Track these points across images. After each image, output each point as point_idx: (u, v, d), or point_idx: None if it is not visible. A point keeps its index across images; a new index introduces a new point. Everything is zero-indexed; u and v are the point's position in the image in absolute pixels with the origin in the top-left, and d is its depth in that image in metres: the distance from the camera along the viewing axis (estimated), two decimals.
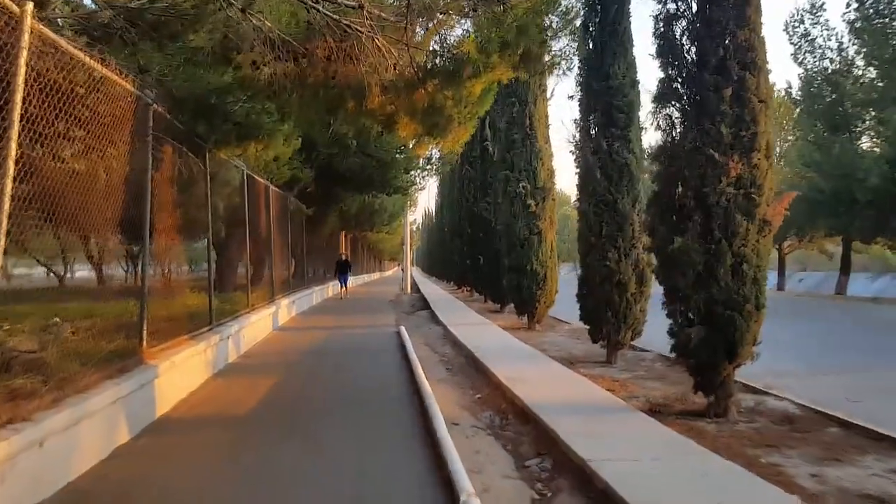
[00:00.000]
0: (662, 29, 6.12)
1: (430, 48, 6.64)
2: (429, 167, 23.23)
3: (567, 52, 6.61)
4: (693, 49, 5.94)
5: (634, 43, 8.66)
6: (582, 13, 8.35)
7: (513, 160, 13.61)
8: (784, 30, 27.36)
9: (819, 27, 26.68)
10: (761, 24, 5.77)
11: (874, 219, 23.39)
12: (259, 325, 11.51)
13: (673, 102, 6.03)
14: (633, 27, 8.66)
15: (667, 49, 6.08)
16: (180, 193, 7.67)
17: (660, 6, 6.07)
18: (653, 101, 6.09)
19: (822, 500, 3.80)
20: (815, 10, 26.70)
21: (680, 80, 6.01)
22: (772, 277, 6.41)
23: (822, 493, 3.92)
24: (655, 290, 8.74)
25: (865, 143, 26.34)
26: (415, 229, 64.91)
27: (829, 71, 26.02)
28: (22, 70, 3.82)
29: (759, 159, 5.58)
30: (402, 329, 12.16)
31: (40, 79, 4.18)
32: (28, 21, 3.89)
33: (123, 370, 5.41)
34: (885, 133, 23.49)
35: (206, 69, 6.95)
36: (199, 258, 11.91)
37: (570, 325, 13.58)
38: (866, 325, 16.11)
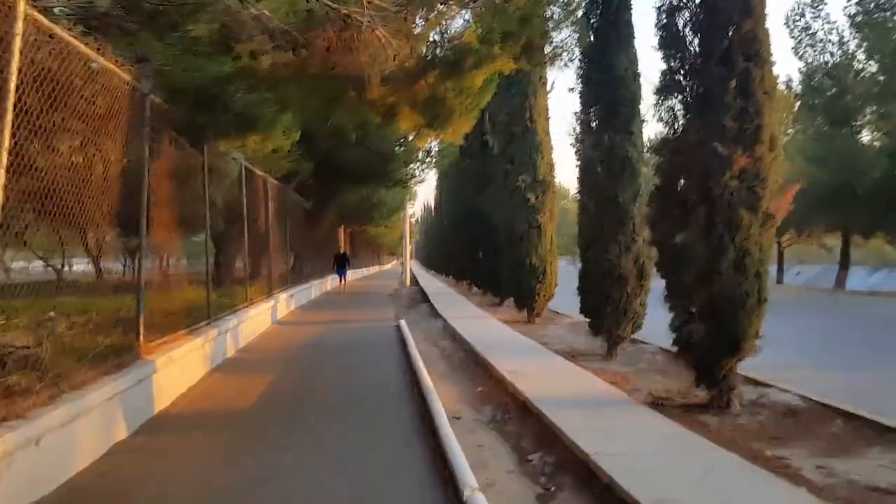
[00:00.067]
0: (665, 20, 6.05)
1: (431, 39, 6.57)
2: (428, 160, 23.11)
3: (569, 44, 6.55)
4: (696, 40, 5.87)
5: (636, 34, 8.58)
6: (583, 4, 8.27)
7: (513, 153, 13.54)
8: (785, 23, 27.25)
9: (820, 21, 26.58)
10: (766, 14, 5.69)
11: (874, 213, 23.34)
12: (258, 319, 11.45)
13: (676, 94, 5.98)
14: (634, 18, 8.59)
15: (670, 40, 6.01)
16: (178, 186, 7.59)
17: None
18: (655, 93, 6.03)
19: (830, 493, 3.76)
20: (815, 4, 26.59)
21: (683, 71, 5.95)
22: (771, 271, 6.35)
23: (829, 486, 3.88)
24: (655, 283, 8.74)
25: (866, 137, 26.30)
26: (414, 223, 64.81)
27: (830, 65, 25.92)
28: (16, 58, 3.74)
29: (763, 152, 5.51)
30: (402, 323, 12.11)
31: (34, 67, 4.10)
32: (22, 7, 3.81)
33: (120, 366, 5.35)
34: (886, 127, 23.43)
35: (205, 59, 6.85)
36: (198, 252, 11.83)
37: (570, 319, 13.53)
38: (867, 320, 16.10)
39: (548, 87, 13.82)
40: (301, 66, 6.70)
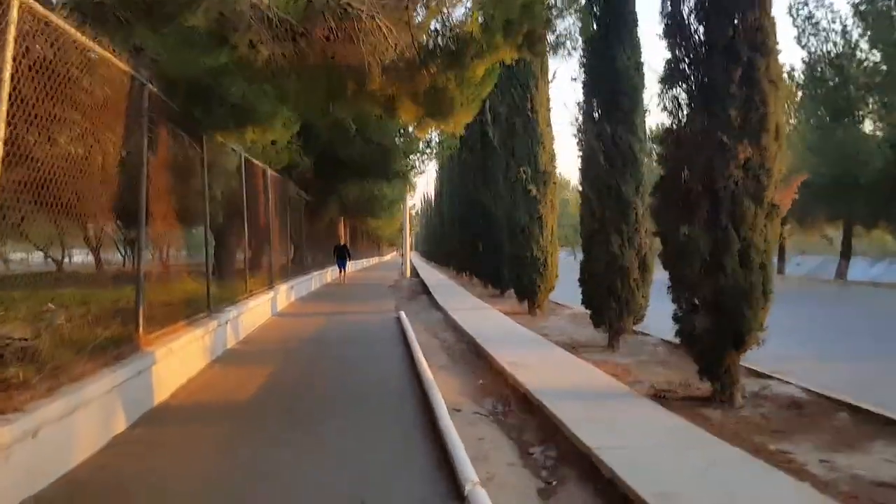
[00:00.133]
0: (670, 8, 5.96)
1: (432, 28, 6.49)
2: (428, 151, 23.03)
3: (572, 33, 6.46)
4: (701, 29, 5.78)
5: (640, 23, 8.48)
6: None
7: (513, 144, 13.46)
8: (788, 12, 27.09)
9: (823, 10, 26.47)
10: (771, 2, 5.62)
11: (876, 203, 23.27)
12: (258, 310, 11.42)
13: (680, 84, 5.89)
14: (638, 7, 8.49)
15: (674, 29, 5.93)
16: (177, 177, 7.53)
17: None
18: (659, 83, 5.95)
19: (834, 488, 3.72)
20: None
21: (687, 61, 5.86)
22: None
23: (833, 481, 3.84)
24: (656, 275, 8.70)
25: (868, 127, 26.17)
26: (414, 214, 64.70)
27: (833, 54, 25.76)
28: (10, 46, 3.68)
29: (768, 142, 5.45)
30: (403, 314, 12.08)
31: (30, 55, 4.04)
32: None
33: (120, 357, 5.32)
34: (889, 117, 23.31)
35: (203, 50, 6.77)
36: (198, 243, 11.80)
37: (571, 310, 13.50)
38: (869, 311, 16.07)
39: (549, 78, 13.70)
40: (300, 57, 6.62)
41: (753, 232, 5.39)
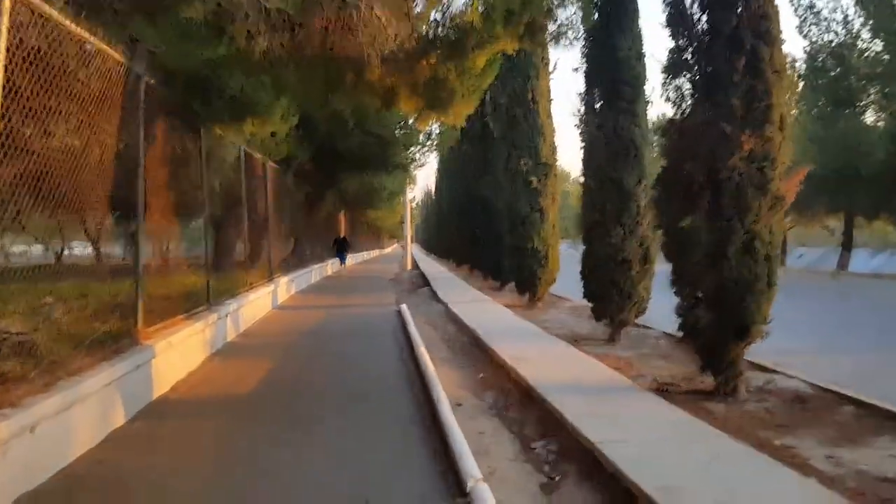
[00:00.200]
0: None
1: (432, 18, 6.41)
2: (429, 143, 22.92)
3: (573, 22, 6.38)
4: (704, 18, 5.72)
5: (641, 13, 8.39)
6: None
7: (514, 136, 13.37)
8: (789, 1, 26.87)
9: None
10: None
11: (878, 195, 23.18)
12: (258, 303, 11.38)
13: (683, 74, 5.83)
14: None
15: (677, 18, 5.86)
16: (175, 170, 7.47)
17: None
18: (662, 73, 5.89)
19: (840, 483, 3.68)
20: None
21: (690, 50, 5.80)
22: None
23: (839, 476, 3.80)
24: (658, 267, 8.65)
25: (870, 118, 26.03)
26: (414, 207, 64.56)
27: (834, 44, 25.59)
28: (4, 36, 3.61)
29: (772, 132, 5.38)
30: (404, 307, 12.04)
31: (24, 46, 3.97)
32: None
33: (118, 351, 5.29)
34: (891, 107, 23.19)
35: (200, 41, 6.69)
36: (197, 236, 11.74)
37: (572, 303, 13.46)
38: (872, 303, 16.02)
39: (550, 69, 13.59)
40: (298, 48, 6.54)
41: (758, 223, 5.33)
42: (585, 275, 8.84)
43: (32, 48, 4.10)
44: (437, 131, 22.07)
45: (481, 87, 6.70)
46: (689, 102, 5.80)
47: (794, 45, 56.13)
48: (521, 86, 13.14)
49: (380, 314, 12.10)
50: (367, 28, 6.23)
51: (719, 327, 5.51)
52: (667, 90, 5.86)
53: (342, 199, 26.59)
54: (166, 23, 6.55)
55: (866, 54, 24.85)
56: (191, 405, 5.76)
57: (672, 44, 5.86)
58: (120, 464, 4.23)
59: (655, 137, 9.88)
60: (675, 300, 5.94)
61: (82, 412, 4.40)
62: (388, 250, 72.40)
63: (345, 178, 22.31)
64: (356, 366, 7.44)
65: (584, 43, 8.45)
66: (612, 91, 8.25)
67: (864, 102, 25.76)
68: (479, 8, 5.80)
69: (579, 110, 8.99)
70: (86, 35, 4.84)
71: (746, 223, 5.34)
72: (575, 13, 6.40)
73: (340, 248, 24.34)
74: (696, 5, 5.75)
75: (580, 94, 8.73)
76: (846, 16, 25.59)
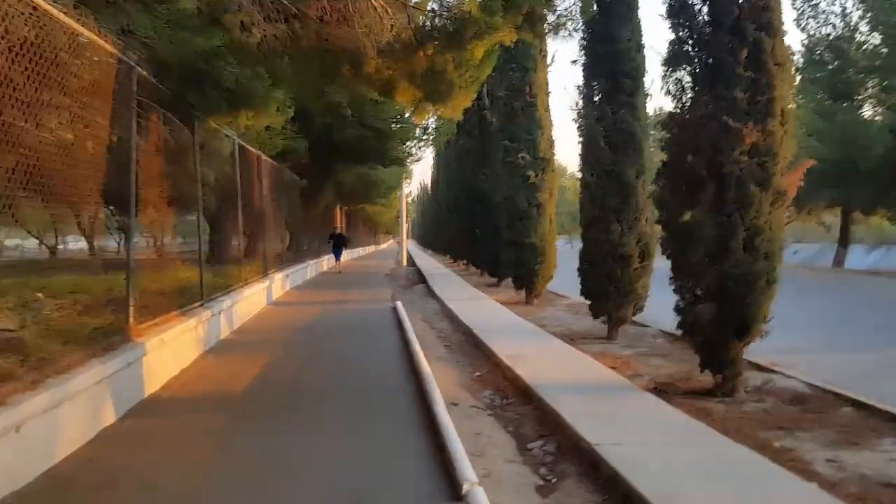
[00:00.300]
0: None
1: (429, 8, 6.30)
2: (425, 137, 22.80)
3: (573, 13, 6.27)
4: (706, 9, 5.63)
5: (640, 4, 8.28)
6: None
7: (512, 129, 13.27)
8: (781, 2, 26.73)
9: None
10: None
11: (876, 189, 23.12)
12: (252, 299, 11.28)
13: (684, 66, 5.74)
14: None
15: (678, 9, 5.77)
16: (168, 163, 7.35)
17: None
18: (663, 65, 5.78)
19: (842, 488, 3.61)
20: None
21: (692, 42, 5.71)
22: None
23: (841, 481, 3.73)
24: (655, 263, 8.57)
25: (868, 111, 25.95)
26: (410, 202, 64.46)
27: (833, 37, 25.48)
28: None
29: (774, 126, 5.30)
30: (399, 304, 11.95)
31: (9, 36, 3.86)
32: None
33: (109, 348, 5.18)
34: (889, 101, 23.10)
35: (194, 32, 6.59)
36: (192, 231, 11.64)
37: (569, 300, 13.39)
38: (871, 300, 15.99)
39: (548, 62, 13.49)
40: (293, 39, 6.44)
41: (759, 219, 5.26)
42: (583, 271, 8.76)
43: (19, 38, 3.99)
44: (434, 125, 21.94)
45: (479, 78, 6.60)
46: (689, 95, 5.71)
47: (791, 38, 56.07)
48: (519, 79, 13.04)
49: (375, 311, 12.01)
50: (364, 18, 6.13)
51: (720, 325, 5.44)
52: (667, 83, 5.77)
53: (338, 193, 26.47)
54: (161, 13, 6.44)
55: (864, 47, 24.77)
56: (183, 403, 5.67)
57: (672, 35, 5.77)
58: (109, 463, 4.14)
59: (653, 132, 9.81)
60: (673, 297, 5.86)
61: (71, 410, 4.31)
62: (383, 246, 72.31)
63: (341, 172, 22.20)
64: (351, 364, 7.35)
65: (582, 34, 8.34)
66: (612, 83, 8.15)
67: (862, 96, 25.68)
68: None
69: (577, 103, 8.90)
70: (75, 25, 4.71)
71: (748, 219, 5.27)
72: (574, 4, 6.30)
73: (337, 244, 24.11)
74: None
75: (578, 86, 8.64)
76: (844, 9, 25.62)
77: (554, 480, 4.01)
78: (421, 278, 20.29)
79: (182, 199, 8.89)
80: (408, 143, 22.05)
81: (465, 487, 3.37)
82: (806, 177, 5.80)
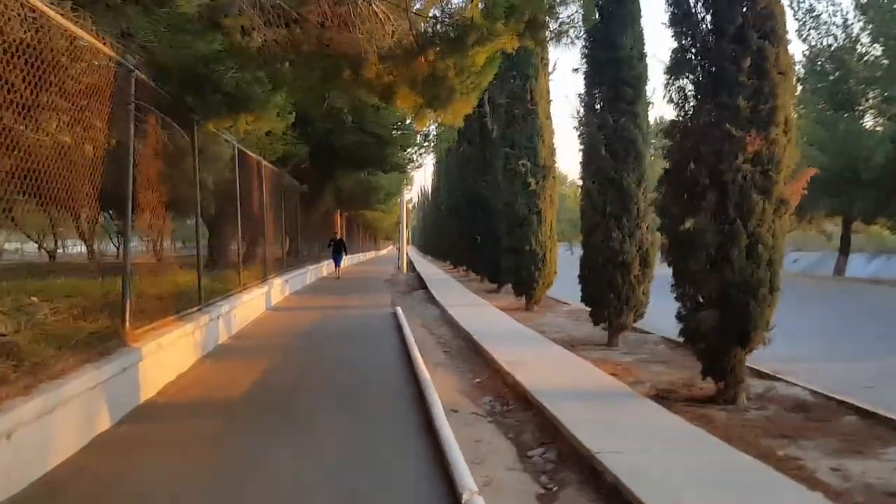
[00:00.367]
0: None
1: (431, 14, 6.27)
2: (426, 144, 22.80)
3: (575, 20, 6.25)
4: (709, 17, 5.61)
5: (644, 12, 8.27)
6: None
7: (513, 137, 13.25)
8: (789, 5, 26.80)
9: (824, 3, 26.25)
10: None
11: (877, 198, 23.09)
12: (251, 304, 11.23)
13: (687, 74, 5.72)
14: None
15: (681, 17, 5.75)
16: (167, 167, 7.32)
17: None
18: (665, 73, 5.76)
19: (848, 499, 3.56)
20: None
21: (694, 50, 5.68)
22: None
23: (846, 490, 3.68)
24: (656, 270, 8.54)
25: (869, 121, 25.95)
26: (411, 208, 64.44)
27: (834, 48, 25.52)
28: None
29: (777, 134, 5.27)
30: (399, 310, 11.89)
31: (4, 37, 3.83)
32: None
33: (104, 353, 5.13)
34: (890, 111, 23.11)
35: (194, 36, 6.56)
36: (191, 235, 11.60)
37: (569, 306, 13.34)
38: (873, 309, 15.93)
39: (549, 69, 13.48)
40: (294, 43, 6.42)
41: (762, 227, 5.22)
42: (584, 277, 8.72)
43: (15, 40, 3.96)
44: (435, 132, 21.95)
45: (481, 85, 6.57)
46: (692, 103, 5.68)
47: (793, 49, 56.26)
48: (520, 86, 13.03)
49: (375, 316, 11.96)
50: (365, 24, 6.12)
51: (722, 332, 5.39)
52: (669, 91, 5.75)
53: (338, 199, 26.45)
54: (160, 17, 6.42)
55: (866, 58, 24.80)
56: (179, 409, 5.61)
57: (675, 44, 5.74)
58: (103, 470, 4.08)
59: (654, 141, 9.79)
60: (674, 304, 5.82)
61: (65, 416, 4.25)
62: (384, 252, 72.25)
63: (341, 178, 22.19)
64: (350, 369, 7.29)
65: (584, 42, 8.33)
66: (613, 91, 8.14)
67: (863, 106, 25.69)
68: (480, 4, 5.67)
69: (578, 111, 8.88)
70: (72, 27, 4.69)
71: (750, 227, 5.23)
72: (576, 12, 6.28)
73: (336, 250, 24.01)
74: (700, 4, 5.64)
75: (580, 94, 8.62)
76: (845, 20, 25.58)
77: (555, 489, 3.95)
78: (421, 284, 20.24)
79: (180, 204, 8.86)
80: (408, 150, 22.06)
81: (465, 496, 3.32)
82: (807, 185, 5.76)
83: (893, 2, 23.19)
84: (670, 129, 5.72)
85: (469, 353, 8.53)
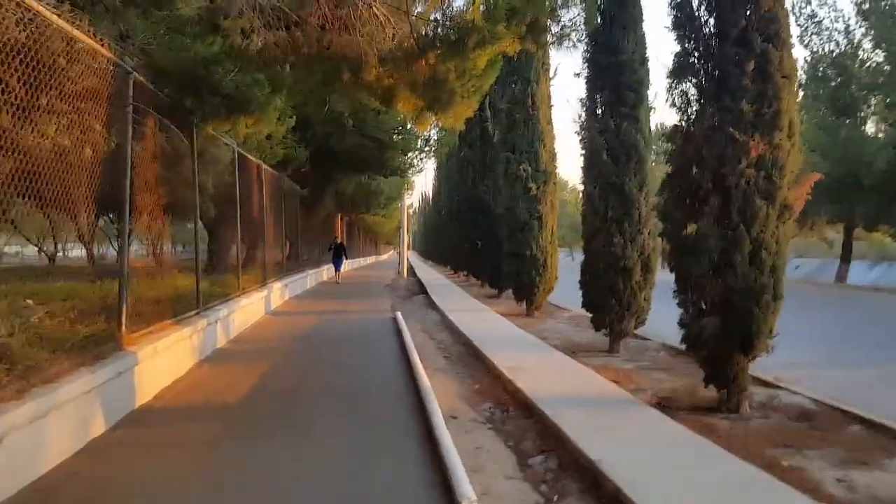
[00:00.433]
0: None
1: (432, 17, 6.23)
2: (427, 148, 22.75)
3: (577, 23, 6.21)
4: (712, 20, 5.56)
5: (644, 16, 8.23)
6: None
7: (514, 142, 13.20)
8: (791, 11, 26.79)
9: (826, 8, 26.27)
10: None
11: (878, 205, 23.03)
12: (250, 309, 11.16)
13: (690, 78, 5.66)
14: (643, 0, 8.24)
15: (683, 21, 5.69)
16: (166, 170, 7.28)
17: None
18: (668, 77, 5.70)
19: None
20: None
21: (697, 53, 5.63)
22: None
23: (852, 502, 3.60)
24: (658, 276, 8.47)
25: (871, 127, 25.93)
26: (412, 213, 64.41)
27: (836, 54, 25.51)
28: None
29: (781, 139, 5.21)
30: (399, 315, 11.83)
31: (1, 39, 3.79)
32: None
33: (99, 357, 5.07)
34: (892, 117, 23.08)
35: (193, 38, 6.52)
36: (190, 239, 11.53)
37: (570, 312, 13.27)
38: (873, 315, 15.85)
39: (551, 74, 13.44)
40: (294, 46, 6.38)
41: (765, 232, 5.15)
42: (585, 283, 8.65)
43: (9, 40, 3.92)
44: (436, 137, 21.91)
45: (482, 88, 6.52)
46: (694, 108, 5.63)
47: (795, 55, 56.24)
48: (521, 91, 12.99)
49: (375, 321, 11.89)
50: (365, 27, 6.07)
51: (724, 339, 5.32)
52: (672, 94, 5.69)
53: (338, 203, 26.40)
54: (160, 19, 6.38)
55: (868, 65, 24.78)
56: (176, 414, 5.55)
57: (678, 47, 5.69)
58: (97, 475, 4.02)
59: (654, 147, 9.73)
60: (675, 311, 5.76)
61: (58, 421, 4.19)
62: (384, 257, 72.19)
63: (341, 181, 22.15)
64: (350, 375, 7.23)
65: (586, 47, 8.28)
66: (615, 95, 8.08)
67: (864, 113, 25.66)
68: (481, 6, 5.62)
69: (580, 115, 8.84)
70: (69, 28, 4.64)
71: (753, 232, 5.17)
72: (578, 15, 6.24)
73: (336, 255, 23.90)
74: (703, 8, 5.59)
75: (581, 99, 8.58)
76: (847, 26, 25.57)
77: (555, 498, 3.88)
78: (421, 289, 20.17)
79: (179, 207, 8.81)
80: (409, 154, 22.02)
81: None
82: (811, 191, 5.70)
83: (895, 8, 23.18)
84: (673, 133, 5.66)
85: (469, 358, 8.46)
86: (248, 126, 8.42)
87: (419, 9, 6.52)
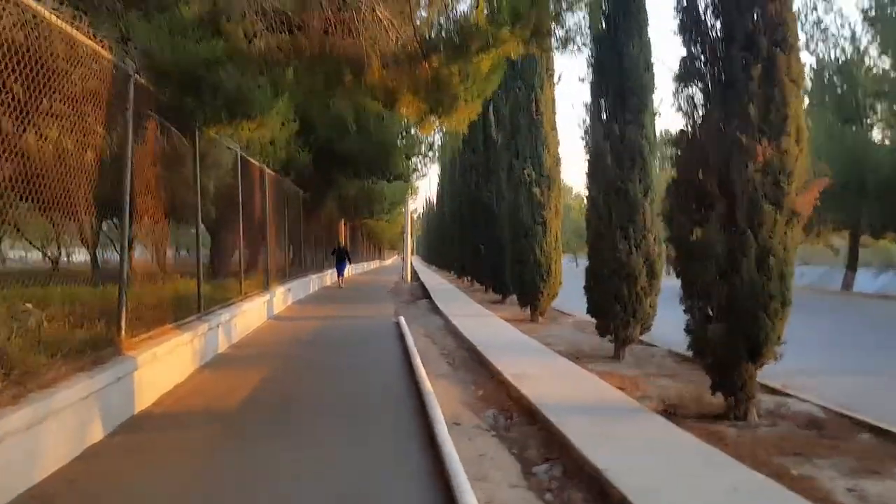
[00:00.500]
0: (685, 3, 5.68)
1: (435, 20, 6.19)
2: (430, 153, 22.73)
3: (581, 28, 6.16)
4: (718, 24, 5.51)
5: (650, 20, 8.17)
6: None
7: (518, 146, 13.15)
8: (797, 18, 26.74)
9: (832, 15, 26.18)
10: None
11: (884, 212, 22.89)
12: (252, 313, 11.11)
13: (696, 82, 5.60)
14: (648, 3, 8.19)
15: (689, 24, 5.64)
16: (167, 173, 7.24)
17: None
18: (674, 81, 5.65)
19: None
20: None
21: (704, 58, 5.57)
22: None
23: None
24: (663, 282, 8.39)
25: (877, 134, 25.81)
26: (415, 218, 64.37)
27: (842, 60, 25.43)
28: None
29: (789, 143, 5.14)
30: (402, 320, 11.77)
31: (2, 41, 3.75)
32: None
33: (98, 362, 5.01)
34: None
35: (195, 41, 6.49)
36: (192, 243, 11.50)
37: (574, 318, 13.18)
38: (875, 322, 15.73)
39: (555, 79, 13.40)
40: (296, 49, 6.35)
41: (773, 238, 5.08)
42: (589, 288, 8.58)
43: (9, 41, 3.88)
44: (440, 141, 21.91)
45: (485, 91, 6.48)
46: (701, 112, 5.57)
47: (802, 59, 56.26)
48: (525, 96, 12.95)
49: (378, 326, 11.83)
50: (368, 30, 6.04)
51: (731, 345, 5.24)
52: (678, 99, 5.63)
53: (341, 207, 26.38)
54: (161, 21, 6.36)
55: (873, 71, 24.69)
56: (176, 420, 5.48)
57: (684, 51, 5.64)
58: (94, 482, 3.97)
59: (658, 153, 9.67)
60: (681, 316, 5.68)
61: (55, 427, 4.13)
62: (388, 262, 72.18)
63: (344, 186, 22.11)
64: (352, 380, 7.17)
65: (590, 51, 8.24)
66: (620, 100, 8.03)
67: (871, 119, 25.55)
68: (485, 10, 5.58)
69: (584, 120, 8.80)
70: (69, 29, 4.61)
71: (761, 238, 5.09)
72: (583, 18, 6.19)
73: (340, 259, 23.84)
74: (709, 11, 5.54)
75: (586, 104, 8.53)
76: (854, 32, 25.50)
77: None
78: (424, 294, 20.11)
79: (181, 210, 8.77)
80: (412, 159, 22.00)
81: None
82: (819, 197, 5.62)
83: None
84: (679, 137, 5.60)
85: (473, 364, 8.39)
86: (252, 130, 8.38)
87: (424, 14, 6.49)
